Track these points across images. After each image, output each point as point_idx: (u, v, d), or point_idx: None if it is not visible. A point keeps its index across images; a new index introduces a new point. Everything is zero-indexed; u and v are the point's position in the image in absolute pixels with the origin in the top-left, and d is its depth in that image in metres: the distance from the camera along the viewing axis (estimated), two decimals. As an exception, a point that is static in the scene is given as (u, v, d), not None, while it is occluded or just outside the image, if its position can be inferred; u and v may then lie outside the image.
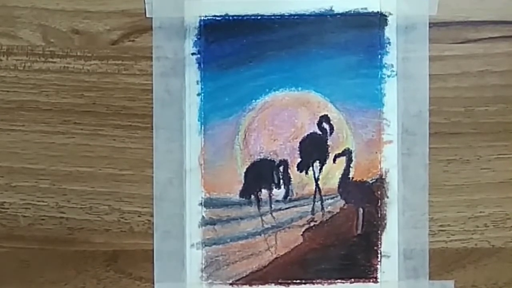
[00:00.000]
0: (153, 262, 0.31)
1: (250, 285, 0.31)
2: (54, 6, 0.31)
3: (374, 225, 0.31)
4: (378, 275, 0.31)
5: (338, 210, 0.31)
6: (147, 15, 0.30)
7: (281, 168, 0.31)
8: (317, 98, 0.31)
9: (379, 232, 0.31)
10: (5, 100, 0.31)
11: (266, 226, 0.31)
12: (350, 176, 0.31)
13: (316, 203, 0.31)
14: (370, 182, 0.31)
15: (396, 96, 0.30)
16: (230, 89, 0.31)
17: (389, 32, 0.30)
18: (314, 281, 0.31)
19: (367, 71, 0.31)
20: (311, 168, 0.31)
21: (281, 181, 0.31)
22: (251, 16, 0.30)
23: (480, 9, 0.31)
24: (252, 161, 0.31)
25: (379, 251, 0.31)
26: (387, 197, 0.31)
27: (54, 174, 0.31)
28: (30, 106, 0.31)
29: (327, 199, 0.31)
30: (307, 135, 0.31)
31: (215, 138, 0.31)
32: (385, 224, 0.31)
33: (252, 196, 0.31)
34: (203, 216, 0.31)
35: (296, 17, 0.31)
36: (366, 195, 0.31)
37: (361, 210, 0.31)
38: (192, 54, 0.31)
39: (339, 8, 0.30)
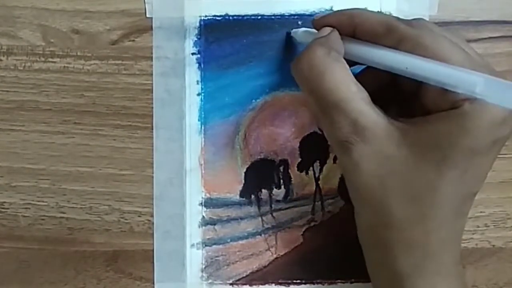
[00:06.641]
0: (153, 262, 0.31)
1: (250, 285, 0.31)
2: (54, 6, 0.31)
3: (374, 225, 0.31)
4: (378, 275, 0.31)
5: (338, 210, 0.31)
6: (147, 15, 0.30)
7: (281, 168, 0.31)
8: (317, 98, 0.31)
9: (379, 232, 0.31)
10: (5, 100, 0.31)
11: (266, 226, 0.31)
12: (350, 176, 0.31)
13: (316, 203, 0.31)
14: (370, 182, 0.31)
15: (396, 96, 0.30)
16: (230, 89, 0.31)
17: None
18: (314, 281, 0.31)
19: (367, 71, 0.30)
20: (311, 168, 0.31)
21: (281, 181, 0.31)
22: (251, 16, 0.30)
23: (480, 9, 0.31)
24: (252, 161, 0.31)
25: (379, 251, 0.31)
26: (387, 197, 0.31)
27: (54, 174, 0.31)
28: (30, 106, 0.31)
29: (327, 199, 0.31)
30: (307, 135, 0.31)
31: (215, 138, 0.31)
32: (385, 224, 0.31)
33: (252, 196, 0.31)
34: (203, 216, 0.31)
35: (296, 17, 0.30)
36: (366, 195, 0.31)
37: (361, 210, 0.31)
38: (192, 54, 0.31)
39: (339, 8, 0.30)
